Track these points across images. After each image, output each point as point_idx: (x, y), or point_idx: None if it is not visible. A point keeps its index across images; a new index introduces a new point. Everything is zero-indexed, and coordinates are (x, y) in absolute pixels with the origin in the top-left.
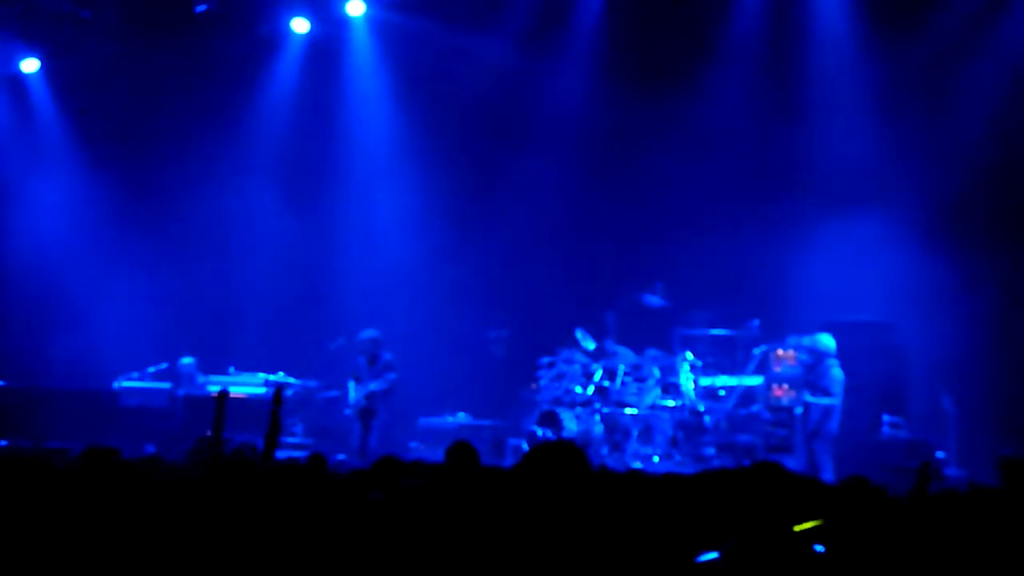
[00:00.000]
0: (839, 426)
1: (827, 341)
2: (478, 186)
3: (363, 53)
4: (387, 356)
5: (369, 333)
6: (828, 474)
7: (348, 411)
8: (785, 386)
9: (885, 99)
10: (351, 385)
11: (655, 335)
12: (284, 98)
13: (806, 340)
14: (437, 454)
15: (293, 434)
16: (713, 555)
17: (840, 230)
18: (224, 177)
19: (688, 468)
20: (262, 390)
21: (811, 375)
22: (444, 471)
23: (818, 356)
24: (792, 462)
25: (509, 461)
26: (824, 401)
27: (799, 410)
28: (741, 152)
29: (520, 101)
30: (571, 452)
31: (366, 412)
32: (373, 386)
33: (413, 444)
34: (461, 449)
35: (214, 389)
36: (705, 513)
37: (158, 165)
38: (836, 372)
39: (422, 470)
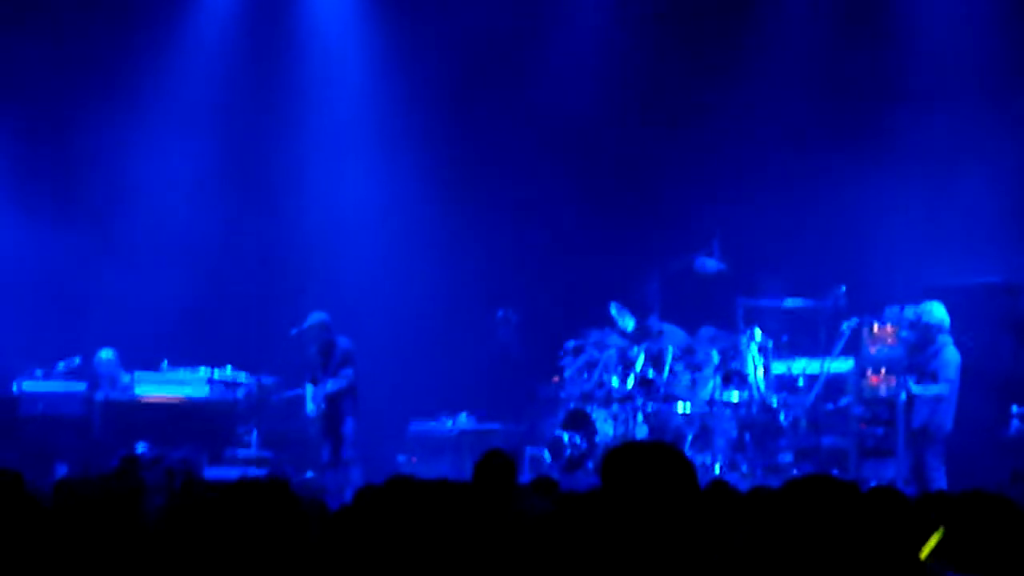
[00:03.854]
0: (954, 422)
1: (938, 312)
2: (481, 136)
3: None
4: (343, 344)
5: (316, 316)
6: (940, 484)
7: (313, 428)
8: (883, 372)
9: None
10: (308, 388)
11: (712, 309)
12: (231, 46)
13: (909, 312)
14: (434, 469)
15: (246, 444)
16: None
17: (945, 171)
18: (156, 136)
19: (759, 480)
20: (205, 390)
21: (917, 357)
22: (473, 493)
23: (926, 332)
24: (892, 469)
25: (527, 476)
26: (934, 390)
27: (902, 400)
28: (818, 80)
29: (535, 29)
30: (672, 459)
31: (329, 419)
32: (330, 386)
33: (401, 457)
34: (496, 461)
35: (143, 391)
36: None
37: (78, 127)
38: (949, 352)
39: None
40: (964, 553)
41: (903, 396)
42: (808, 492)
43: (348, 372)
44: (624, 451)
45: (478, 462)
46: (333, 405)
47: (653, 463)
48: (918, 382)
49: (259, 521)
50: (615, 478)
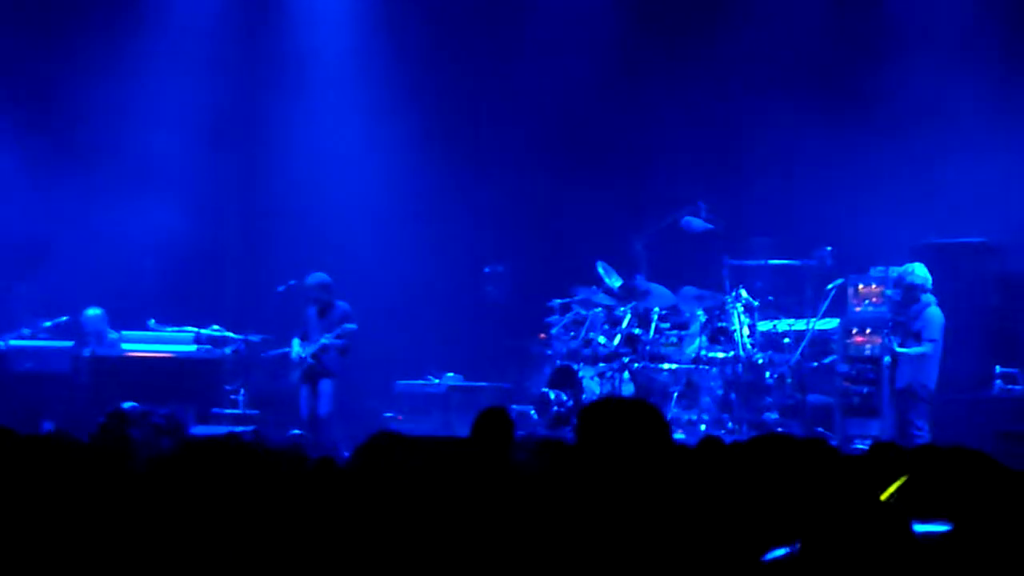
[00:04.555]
0: (938, 381)
1: (921, 272)
2: (468, 95)
3: None
4: (343, 305)
5: (318, 277)
6: (925, 443)
7: (294, 375)
8: (868, 331)
9: None
10: (295, 343)
11: (698, 268)
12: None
13: (894, 271)
14: (422, 427)
15: (234, 404)
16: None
17: (930, 132)
18: (144, 95)
19: (744, 437)
20: (192, 348)
21: (901, 316)
22: (472, 448)
23: (910, 291)
24: (877, 427)
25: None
26: (918, 350)
27: (886, 361)
28: (804, 42)
29: None
30: (645, 414)
31: (313, 372)
32: (325, 340)
33: (388, 414)
34: (493, 418)
35: (129, 348)
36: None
37: (63, 71)
38: (933, 312)
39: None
40: (936, 505)
41: (887, 359)
42: (765, 449)
43: (349, 328)
44: (598, 407)
45: (477, 419)
46: (319, 361)
47: (626, 418)
48: (902, 343)
49: (222, 478)
50: (589, 433)
